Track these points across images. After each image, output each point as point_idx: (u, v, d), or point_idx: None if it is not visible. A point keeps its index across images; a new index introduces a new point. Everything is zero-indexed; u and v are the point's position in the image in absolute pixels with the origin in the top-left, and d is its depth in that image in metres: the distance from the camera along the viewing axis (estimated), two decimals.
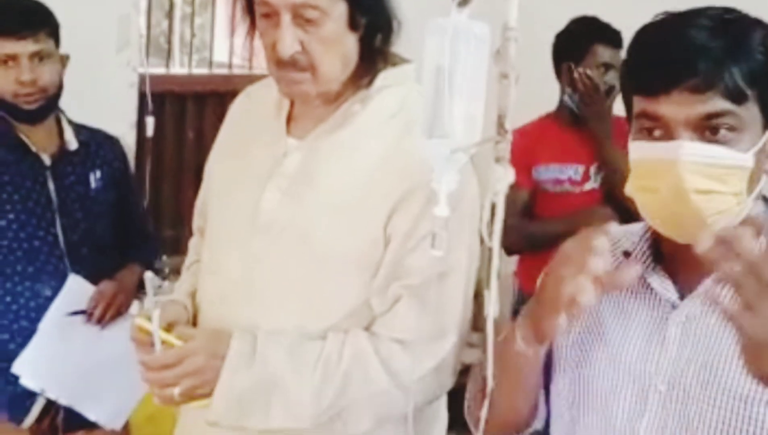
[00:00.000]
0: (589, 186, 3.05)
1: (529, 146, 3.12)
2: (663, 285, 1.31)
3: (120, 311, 2.44)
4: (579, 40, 3.06)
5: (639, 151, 1.25)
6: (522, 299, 3.22)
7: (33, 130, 2.39)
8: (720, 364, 1.22)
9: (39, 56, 2.29)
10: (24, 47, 2.26)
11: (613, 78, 2.90)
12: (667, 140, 1.21)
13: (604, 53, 2.99)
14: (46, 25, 2.33)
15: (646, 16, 1.30)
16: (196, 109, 4.05)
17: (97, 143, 2.53)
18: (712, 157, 1.19)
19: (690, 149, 1.19)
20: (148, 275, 1.66)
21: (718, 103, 1.18)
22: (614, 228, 1.40)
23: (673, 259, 1.32)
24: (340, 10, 1.49)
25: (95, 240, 2.45)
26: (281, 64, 1.51)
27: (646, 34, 1.26)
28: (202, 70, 4.33)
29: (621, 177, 1.33)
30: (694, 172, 1.19)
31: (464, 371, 3.59)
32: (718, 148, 1.19)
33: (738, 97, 1.19)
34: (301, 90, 1.54)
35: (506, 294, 3.88)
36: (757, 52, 1.21)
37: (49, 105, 2.36)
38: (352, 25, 1.51)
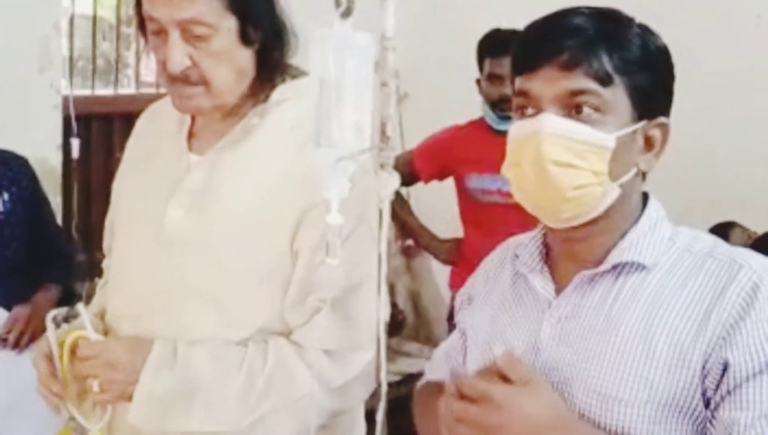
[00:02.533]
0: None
1: (460, 148, 3.17)
2: (543, 284, 1.35)
3: (35, 335, 2.41)
4: (478, 55, 3.16)
5: (512, 129, 1.29)
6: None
7: None
8: (583, 363, 1.25)
9: None
10: None
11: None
12: (535, 116, 1.25)
13: (494, 66, 3.05)
14: None
15: None
16: (124, 129, 4.01)
17: (3, 165, 2.51)
18: (572, 132, 1.23)
19: (551, 122, 1.23)
20: (50, 316, 1.65)
21: (582, 82, 1.23)
22: (523, 235, 1.44)
23: (554, 255, 1.36)
24: (230, 25, 1.50)
25: (7, 263, 2.42)
26: (173, 80, 1.52)
27: (533, 22, 1.31)
28: (129, 91, 4.30)
29: None
30: (553, 144, 1.23)
31: (403, 381, 3.62)
32: (581, 125, 1.23)
33: (603, 79, 1.23)
34: (195, 104, 1.55)
35: (442, 305, 3.92)
36: (634, 44, 1.26)
37: None
38: (244, 39, 1.52)
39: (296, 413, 1.55)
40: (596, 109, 1.23)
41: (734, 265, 1.23)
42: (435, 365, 1.58)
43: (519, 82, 1.28)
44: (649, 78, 1.27)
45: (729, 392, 1.17)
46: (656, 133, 1.29)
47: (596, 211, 1.26)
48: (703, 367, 1.18)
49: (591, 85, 1.23)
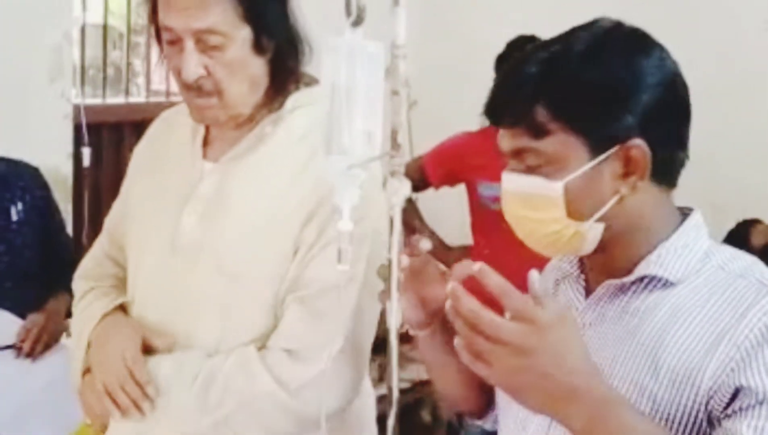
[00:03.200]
0: None
1: (472, 155, 3.17)
2: (575, 290, 1.36)
3: (50, 344, 2.42)
4: (497, 64, 3.10)
5: None
6: None
7: None
8: (604, 370, 1.21)
9: None
10: None
11: None
12: None
13: None
14: None
15: None
16: (135, 138, 4.01)
17: (16, 175, 2.52)
18: (523, 188, 1.26)
19: (508, 180, 1.29)
20: None
21: (521, 140, 1.25)
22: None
23: (587, 264, 1.36)
24: (244, 35, 1.51)
25: (20, 272, 2.43)
26: (188, 89, 1.54)
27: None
28: (139, 99, 4.32)
29: None
30: (512, 201, 1.29)
31: (413, 388, 3.61)
32: (530, 178, 1.25)
33: (538, 133, 1.23)
34: (210, 115, 1.57)
35: None
36: (580, 80, 1.22)
37: None
38: (258, 48, 1.53)
39: (259, 415, 1.56)
40: (538, 164, 1.24)
41: (762, 288, 1.20)
42: None
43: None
44: (594, 110, 1.22)
45: (737, 410, 1.13)
46: (637, 154, 1.23)
47: (588, 247, 1.26)
48: (710, 388, 1.15)
49: (526, 142, 1.24)
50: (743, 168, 3.41)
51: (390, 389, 1.11)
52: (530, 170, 1.25)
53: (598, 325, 1.29)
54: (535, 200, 1.25)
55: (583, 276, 1.36)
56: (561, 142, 1.22)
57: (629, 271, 1.27)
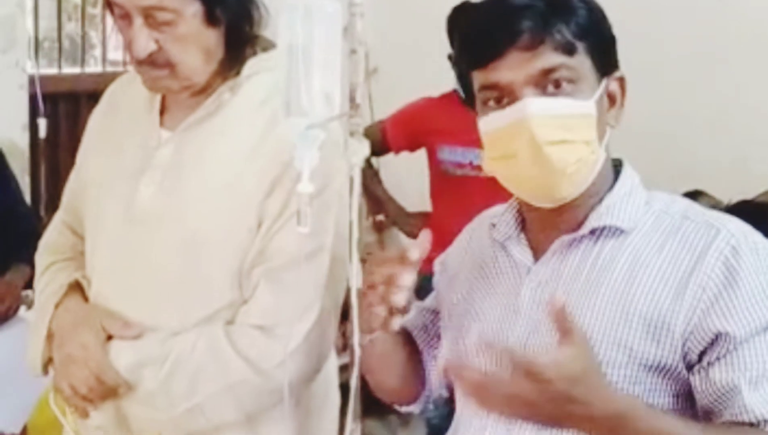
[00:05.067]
0: None
1: (432, 119, 3.16)
2: (520, 250, 1.35)
3: (7, 315, 2.39)
4: (449, 29, 3.03)
5: (489, 123, 1.28)
6: (422, 281, 3.26)
7: None
8: None
9: None
10: None
11: None
12: (513, 104, 1.24)
13: None
14: None
15: None
16: (91, 108, 3.95)
17: None
18: (557, 109, 1.23)
19: (535, 104, 1.23)
20: None
21: (551, 58, 1.23)
22: (498, 206, 1.44)
23: (531, 223, 1.36)
24: (194, 9, 1.48)
25: None
26: (139, 63, 1.51)
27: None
28: (96, 69, 4.26)
29: None
30: (543, 125, 1.22)
31: None
32: (562, 99, 1.24)
33: (569, 50, 1.24)
34: (163, 85, 1.54)
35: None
36: (580, 9, 1.26)
37: None
38: (211, 21, 1.50)
39: (235, 397, 1.54)
40: (570, 81, 1.24)
41: (711, 228, 1.24)
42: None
43: (483, 75, 1.26)
44: (601, 37, 1.28)
45: (721, 357, 1.18)
46: (615, 88, 1.30)
47: (589, 181, 1.27)
48: (684, 331, 1.19)
49: (560, 59, 1.23)
50: (701, 141, 3.46)
51: (352, 350, 1.11)
52: (556, 93, 1.24)
53: (555, 282, 1.29)
54: (570, 121, 1.23)
55: (524, 235, 1.36)
56: (584, 62, 1.25)
57: (578, 226, 1.29)
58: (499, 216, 1.40)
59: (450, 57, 3.15)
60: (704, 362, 1.19)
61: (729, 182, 2.95)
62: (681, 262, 1.22)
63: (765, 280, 1.20)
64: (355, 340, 1.11)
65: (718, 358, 1.18)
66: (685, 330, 1.19)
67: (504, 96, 1.25)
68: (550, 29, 1.23)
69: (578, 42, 1.24)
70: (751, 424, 1.16)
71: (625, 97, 1.31)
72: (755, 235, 1.25)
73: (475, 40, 1.27)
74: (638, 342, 1.21)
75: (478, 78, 1.27)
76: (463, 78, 1.31)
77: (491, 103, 1.26)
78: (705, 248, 1.22)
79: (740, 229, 1.25)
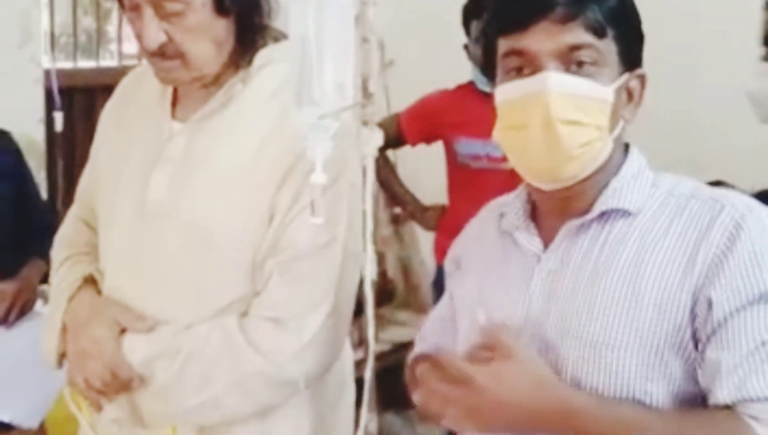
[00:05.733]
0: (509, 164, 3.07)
1: (449, 112, 3.14)
2: (530, 239, 1.35)
3: (24, 310, 2.40)
4: (464, 18, 3.05)
5: (506, 91, 1.27)
6: (441, 275, 3.25)
7: None
8: (573, 314, 1.26)
9: None
10: None
11: None
12: (534, 75, 1.23)
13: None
14: None
15: None
16: (107, 102, 3.97)
17: None
18: (577, 88, 1.22)
19: (557, 79, 1.22)
20: None
21: (581, 35, 1.22)
22: (507, 196, 1.43)
23: (539, 208, 1.36)
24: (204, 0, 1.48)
25: None
26: (150, 54, 1.50)
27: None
28: (112, 63, 4.26)
29: None
30: (561, 101, 1.22)
31: (394, 350, 3.60)
32: (583, 80, 1.23)
33: (599, 31, 1.23)
34: (174, 77, 1.54)
35: (430, 273, 3.92)
36: None
37: None
38: (220, 10, 1.49)
39: (249, 391, 1.53)
40: (594, 63, 1.23)
41: (716, 204, 1.24)
42: (426, 334, 1.57)
43: (510, 42, 1.25)
44: (630, 28, 1.28)
45: (714, 331, 1.18)
46: (635, 85, 1.30)
47: (592, 168, 1.26)
48: (692, 309, 1.19)
49: (589, 38, 1.23)
50: (720, 125, 3.42)
51: (367, 341, 1.10)
52: (578, 72, 1.23)
53: (565, 268, 1.29)
54: (587, 103, 1.23)
55: (533, 224, 1.36)
56: (610, 48, 1.25)
57: (587, 210, 1.29)
58: (507, 205, 1.40)
59: (465, 47, 3.14)
60: (702, 339, 1.19)
61: (752, 174, 2.93)
62: (688, 241, 1.22)
63: (762, 251, 1.19)
64: (370, 332, 1.09)
65: (708, 337, 1.18)
66: (692, 308, 1.19)
67: (526, 65, 1.24)
68: (584, 8, 1.22)
69: (609, 26, 1.23)
70: (727, 407, 1.16)
71: (643, 96, 1.30)
72: (762, 210, 1.25)
73: (508, 6, 1.27)
74: (649, 324, 1.21)
75: (504, 44, 1.26)
76: (488, 46, 1.30)
77: (512, 72, 1.25)
78: (710, 224, 1.22)
79: (745, 203, 1.25)
